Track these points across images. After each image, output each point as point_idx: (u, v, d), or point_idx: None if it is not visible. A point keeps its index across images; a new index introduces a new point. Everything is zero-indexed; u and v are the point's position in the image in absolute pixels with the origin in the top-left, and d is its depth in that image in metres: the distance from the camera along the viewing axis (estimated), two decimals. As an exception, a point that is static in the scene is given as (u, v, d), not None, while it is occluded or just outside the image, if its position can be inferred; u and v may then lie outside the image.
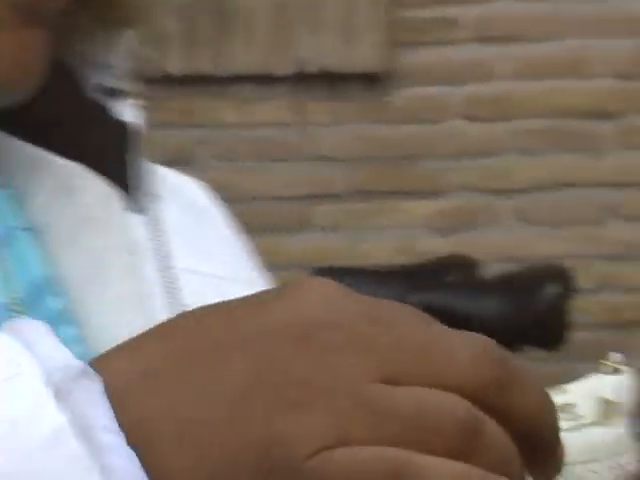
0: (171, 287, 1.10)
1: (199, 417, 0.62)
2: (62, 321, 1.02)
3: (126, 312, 1.04)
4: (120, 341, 0.72)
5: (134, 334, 0.69)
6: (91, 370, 0.62)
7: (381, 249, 4.55)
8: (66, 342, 0.71)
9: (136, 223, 1.09)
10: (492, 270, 4.68)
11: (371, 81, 4.36)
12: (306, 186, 4.70)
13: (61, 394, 0.62)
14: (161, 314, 0.98)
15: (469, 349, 0.58)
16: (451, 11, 4.75)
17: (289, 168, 4.66)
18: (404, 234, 4.26)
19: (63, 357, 0.64)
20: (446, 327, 0.61)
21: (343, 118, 4.34)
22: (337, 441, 0.57)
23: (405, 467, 0.57)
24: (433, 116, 4.70)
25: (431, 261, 4.11)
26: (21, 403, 0.63)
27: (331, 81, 4.37)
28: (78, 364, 0.63)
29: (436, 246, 4.22)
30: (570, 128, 4.78)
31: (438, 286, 4.16)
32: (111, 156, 1.19)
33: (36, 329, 0.67)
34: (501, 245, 4.92)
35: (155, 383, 0.65)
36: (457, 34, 4.69)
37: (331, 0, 4.30)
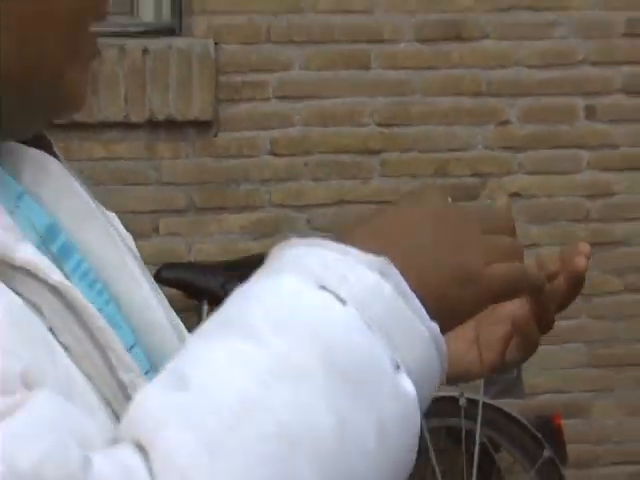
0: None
1: (417, 256, 1.06)
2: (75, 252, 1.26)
3: (110, 249, 1.29)
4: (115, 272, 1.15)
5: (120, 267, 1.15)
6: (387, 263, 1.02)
7: (211, 250, 4.85)
8: (81, 268, 1.12)
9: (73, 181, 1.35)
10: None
11: (203, 126, 4.75)
12: (155, 204, 4.89)
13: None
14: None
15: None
16: (260, 76, 5.01)
17: (143, 190, 4.91)
18: (228, 239, 4.68)
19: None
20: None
21: (183, 154, 4.74)
22: (486, 263, 1.04)
23: (520, 270, 1.06)
24: (249, 152, 5.01)
25: (247, 258, 4.59)
26: (362, 284, 1.00)
27: (174, 126, 4.74)
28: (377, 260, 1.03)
29: (251, 248, 4.65)
30: (347, 161, 5.12)
31: (251, 276, 4.61)
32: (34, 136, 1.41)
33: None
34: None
35: (397, 252, 1.05)
36: (265, 93, 5.02)
37: (174, 66, 4.65)
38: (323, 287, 1.05)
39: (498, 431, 4.88)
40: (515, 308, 1.36)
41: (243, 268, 4.40)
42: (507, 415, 4.92)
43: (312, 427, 1.05)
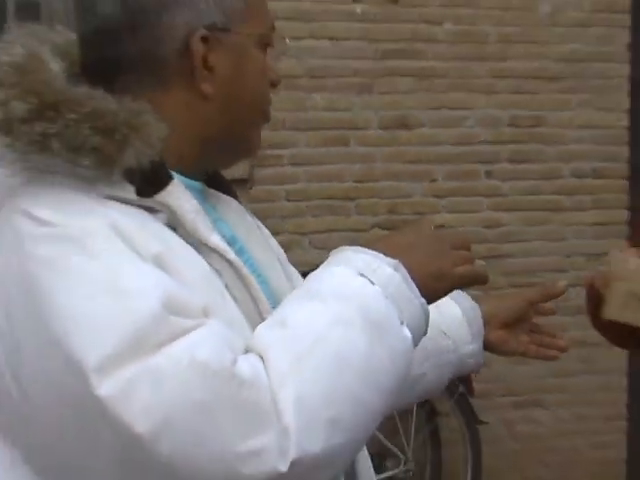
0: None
1: (413, 260, 1.69)
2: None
3: (267, 254, 1.90)
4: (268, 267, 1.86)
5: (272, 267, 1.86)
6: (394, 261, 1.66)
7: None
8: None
9: (250, 217, 1.94)
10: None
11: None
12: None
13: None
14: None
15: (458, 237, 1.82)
16: (279, 151, 6.00)
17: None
18: None
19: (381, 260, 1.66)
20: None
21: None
22: (452, 266, 1.75)
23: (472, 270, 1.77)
24: (272, 199, 5.97)
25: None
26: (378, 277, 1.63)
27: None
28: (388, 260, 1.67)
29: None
30: (334, 204, 6.21)
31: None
32: (222, 185, 1.95)
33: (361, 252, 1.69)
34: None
35: (403, 258, 1.68)
36: (282, 161, 6.06)
37: None
38: (362, 274, 1.65)
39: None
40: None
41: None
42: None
43: (354, 352, 1.59)
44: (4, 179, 1.68)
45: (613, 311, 2.44)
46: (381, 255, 1.65)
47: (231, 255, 1.70)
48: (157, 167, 1.67)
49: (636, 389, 6.61)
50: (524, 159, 6.45)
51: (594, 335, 6.07)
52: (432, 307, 1.98)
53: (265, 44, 1.82)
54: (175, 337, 1.49)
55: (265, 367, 1.51)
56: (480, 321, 2.31)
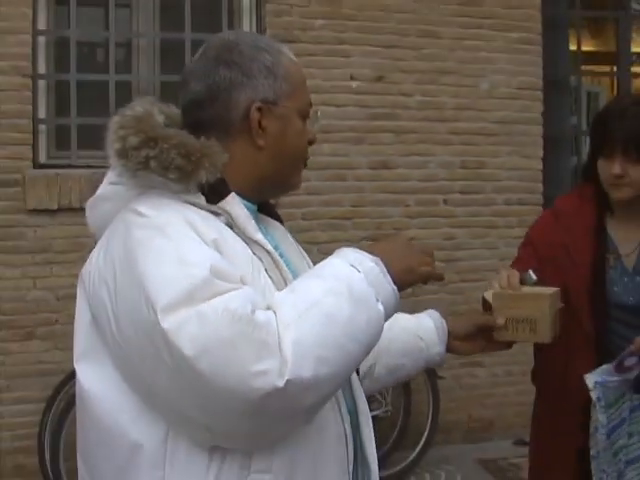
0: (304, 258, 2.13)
1: (391, 259, 1.84)
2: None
3: (302, 265, 2.06)
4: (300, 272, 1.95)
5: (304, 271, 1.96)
6: (377, 259, 1.81)
7: None
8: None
9: (292, 238, 2.11)
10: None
11: None
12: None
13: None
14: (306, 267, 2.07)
15: (424, 249, 1.97)
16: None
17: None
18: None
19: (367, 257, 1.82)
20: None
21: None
22: (418, 265, 1.92)
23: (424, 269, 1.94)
24: (291, 219, 5.74)
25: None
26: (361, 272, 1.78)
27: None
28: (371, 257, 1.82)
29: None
30: (336, 223, 6.40)
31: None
32: (272, 213, 2.10)
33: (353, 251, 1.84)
34: None
35: (384, 257, 1.83)
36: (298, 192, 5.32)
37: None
38: (352, 265, 1.78)
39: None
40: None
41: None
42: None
43: (340, 314, 1.71)
44: (125, 192, 1.89)
45: (502, 334, 2.44)
46: (366, 253, 1.81)
47: (269, 247, 1.89)
48: (220, 184, 1.86)
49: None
50: (470, 191, 6.76)
51: None
52: (413, 318, 2.43)
53: (304, 115, 1.98)
54: (217, 294, 1.65)
55: (276, 318, 1.66)
56: (445, 332, 2.44)
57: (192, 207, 1.82)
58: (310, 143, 2.01)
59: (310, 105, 2.02)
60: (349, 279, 1.74)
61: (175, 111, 2.00)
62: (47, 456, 5.53)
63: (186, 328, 1.61)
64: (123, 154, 1.81)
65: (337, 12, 6.43)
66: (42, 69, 6.08)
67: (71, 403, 5.18)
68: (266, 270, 1.85)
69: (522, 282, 2.64)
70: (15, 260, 5.81)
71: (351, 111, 6.48)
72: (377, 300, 1.76)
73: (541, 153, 6.93)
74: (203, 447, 1.73)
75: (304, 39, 6.33)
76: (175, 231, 1.74)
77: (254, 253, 1.85)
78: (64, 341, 5.40)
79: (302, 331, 1.65)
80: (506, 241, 6.78)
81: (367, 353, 1.78)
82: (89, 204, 1.97)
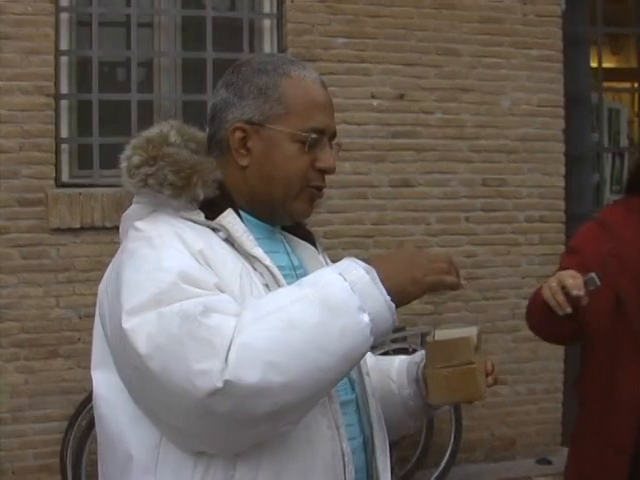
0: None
1: (393, 270, 1.77)
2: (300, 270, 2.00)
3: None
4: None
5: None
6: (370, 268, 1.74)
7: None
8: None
9: (321, 258, 2.10)
10: None
11: None
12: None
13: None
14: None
15: (441, 256, 1.82)
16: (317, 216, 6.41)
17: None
18: None
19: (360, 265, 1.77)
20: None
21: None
22: (424, 276, 1.79)
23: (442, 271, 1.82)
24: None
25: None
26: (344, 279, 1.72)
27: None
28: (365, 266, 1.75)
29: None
30: (358, 241, 6.40)
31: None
32: (308, 238, 2.14)
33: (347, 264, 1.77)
34: None
35: (384, 267, 1.76)
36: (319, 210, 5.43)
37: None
38: (340, 273, 1.73)
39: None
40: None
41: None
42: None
43: (305, 321, 1.68)
44: (140, 210, 1.97)
45: (434, 396, 2.08)
46: (361, 262, 1.76)
47: (267, 262, 1.90)
48: (218, 200, 1.91)
49: (569, 371, 6.67)
50: (492, 209, 6.74)
51: None
52: (389, 359, 2.30)
53: (301, 140, 1.93)
54: (182, 298, 1.70)
55: (236, 322, 1.68)
56: (414, 373, 2.24)
57: (189, 222, 1.88)
58: (322, 171, 1.98)
59: (319, 131, 1.97)
60: (329, 287, 1.72)
61: (198, 133, 2.06)
62: (69, 474, 5.54)
63: (144, 328, 1.68)
64: (128, 173, 1.89)
65: (358, 31, 6.46)
66: (65, 89, 6.13)
67: (93, 421, 5.01)
68: (267, 285, 1.88)
69: (585, 285, 2.63)
70: (38, 279, 5.83)
71: (372, 129, 6.49)
72: (361, 310, 1.70)
73: (563, 170, 6.90)
74: (190, 453, 1.77)
75: (325, 58, 6.36)
76: (161, 242, 1.81)
77: (255, 268, 1.88)
78: (86, 359, 5.02)
79: (254, 335, 1.65)
80: (528, 258, 6.81)
81: (346, 365, 1.74)
82: (120, 222, 2.05)
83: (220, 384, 1.62)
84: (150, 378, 1.70)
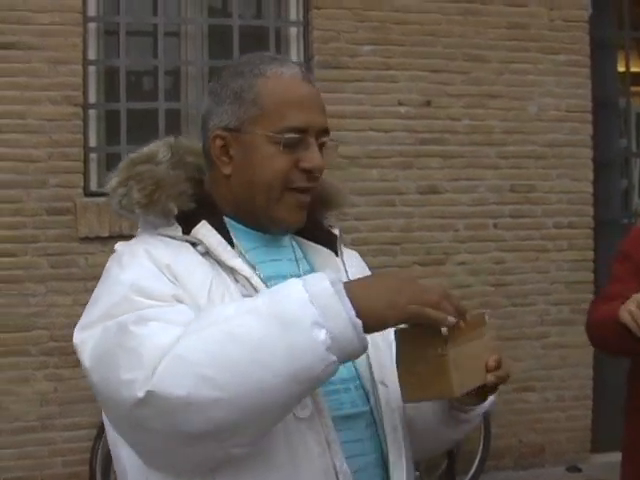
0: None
1: (373, 290, 1.63)
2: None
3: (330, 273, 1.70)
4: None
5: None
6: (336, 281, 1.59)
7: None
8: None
9: (339, 263, 1.96)
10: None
11: None
12: None
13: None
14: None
15: (436, 288, 1.66)
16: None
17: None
18: None
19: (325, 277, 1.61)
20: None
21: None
22: (407, 303, 1.62)
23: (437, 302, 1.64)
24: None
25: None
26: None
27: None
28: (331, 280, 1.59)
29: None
30: (385, 248, 6.40)
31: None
32: (331, 244, 2.00)
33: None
34: None
35: (360, 286, 1.64)
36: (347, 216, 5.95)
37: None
38: (303, 285, 1.62)
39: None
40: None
41: None
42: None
43: (247, 334, 1.58)
44: (139, 229, 1.98)
45: (406, 393, 1.81)
46: (333, 275, 1.64)
47: (245, 272, 1.82)
48: (195, 212, 1.87)
49: (598, 378, 6.77)
50: (520, 215, 6.77)
51: (569, 340, 6.34)
52: None
53: (276, 141, 1.85)
54: (132, 310, 1.68)
55: (182, 331, 1.63)
56: None
57: (166, 239, 1.85)
58: (305, 172, 1.87)
59: (297, 130, 1.86)
60: (285, 298, 1.62)
61: (200, 145, 2.02)
62: (98, 482, 5.64)
63: (90, 342, 1.70)
64: (110, 195, 1.92)
65: (384, 38, 6.50)
66: (92, 98, 6.21)
67: (122, 429, 5.17)
68: (248, 297, 1.77)
69: None
70: (67, 287, 5.89)
71: (399, 136, 6.53)
72: (317, 325, 1.57)
73: (591, 176, 6.93)
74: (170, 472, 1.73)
75: (352, 65, 6.41)
76: (129, 259, 1.80)
77: (237, 280, 1.82)
78: (115, 367, 5.37)
79: (189, 346, 1.59)
80: (557, 264, 6.84)
81: (298, 386, 1.60)
82: None
83: (141, 394, 1.57)
84: (95, 391, 1.71)
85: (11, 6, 5.85)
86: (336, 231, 2.03)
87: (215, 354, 1.56)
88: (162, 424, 1.59)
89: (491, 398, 1.98)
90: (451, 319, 1.65)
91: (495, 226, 6.73)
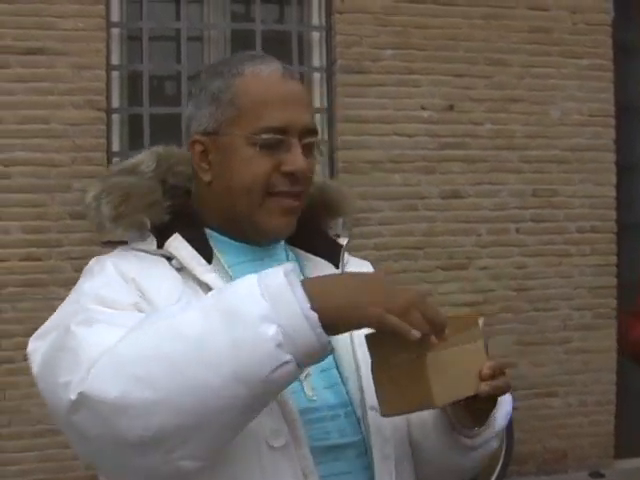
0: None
1: (340, 289, 1.49)
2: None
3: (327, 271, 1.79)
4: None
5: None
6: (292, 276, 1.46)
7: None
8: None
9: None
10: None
11: None
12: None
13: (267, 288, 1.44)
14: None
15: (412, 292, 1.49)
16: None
17: None
18: None
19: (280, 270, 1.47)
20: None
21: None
22: (381, 305, 1.46)
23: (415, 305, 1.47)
24: (355, 253, 5.81)
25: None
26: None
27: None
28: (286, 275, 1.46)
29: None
30: (408, 252, 6.43)
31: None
32: (333, 255, 1.88)
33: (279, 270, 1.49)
34: None
35: (318, 282, 1.52)
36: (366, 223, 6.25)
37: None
38: (258, 279, 1.50)
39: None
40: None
41: None
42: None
43: (187, 331, 1.48)
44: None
45: (384, 406, 1.65)
46: (290, 266, 1.53)
47: (218, 286, 1.71)
48: (166, 226, 1.78)
49: (621, 383, 6.79)
50: (542, 220, 6.79)
51: (591, 345, 6.32)
52: None
53: (254, 143, 1.74)
54: (89, 318, 1.62)
55: (118, 333, 1.55)
56: None
57: (140, 254, 1.78)
58: (286, 174, 1.76)
59: (276, 130, 1.75)
60: (235, 292, 1.51)
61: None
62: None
63: (40, 349, 1.63)
64: (85, 212, 1.84)
65: (406, 42, 6.52)
66: (116, 103, 6.25)
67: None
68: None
69: None
70: (90, 291, 5.91)
71: (422, 141, 6.55)
72: (265, 319, 1.45)
73: (614, 180, 6.93)
74: None
75: (374, 70, 6.43)
76: (97, 271, 1.74)
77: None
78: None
79: (125, 345, 1.50)
80: (580, 269, 6.84)
81: (244, 386, 1.46)
82: None
83: (74, 396, 1.48)
84: (40, 392, 1.64)
85: (35, 12, 5.90)
86: (343, 241, 1.92)
87: (151, 352, 1.47)
88: (99, 430, 1.48)
89: (501, 418, 1.84)
90: (415, 333, 1.47)
91: (517, 231, 6.75)
